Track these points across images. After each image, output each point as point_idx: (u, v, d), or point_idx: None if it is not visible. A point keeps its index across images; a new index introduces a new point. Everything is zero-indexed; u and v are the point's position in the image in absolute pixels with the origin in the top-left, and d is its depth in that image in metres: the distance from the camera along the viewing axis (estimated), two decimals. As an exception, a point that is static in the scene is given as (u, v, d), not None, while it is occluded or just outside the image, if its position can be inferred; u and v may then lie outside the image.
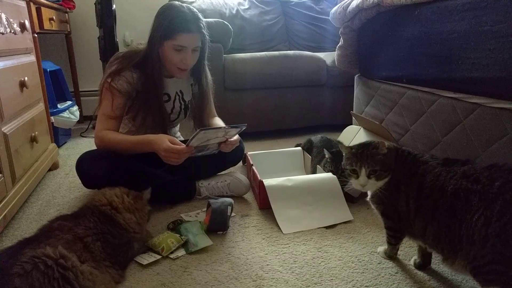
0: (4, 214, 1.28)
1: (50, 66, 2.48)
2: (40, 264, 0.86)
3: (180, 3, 1.48)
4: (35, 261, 0.87)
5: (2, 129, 1.35)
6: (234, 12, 2.96)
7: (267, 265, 1.15)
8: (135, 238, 1.16)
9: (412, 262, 1.13)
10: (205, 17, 1.54)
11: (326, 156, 1.60)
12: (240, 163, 1.92)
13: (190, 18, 1.43)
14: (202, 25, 1.46)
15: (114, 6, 2.66)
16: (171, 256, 1.19)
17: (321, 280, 1.07)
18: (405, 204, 1.02)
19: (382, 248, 1.19)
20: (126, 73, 1.47)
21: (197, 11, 1.48)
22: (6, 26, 1.46)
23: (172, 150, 1.33)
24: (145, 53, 1.48)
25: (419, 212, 0.98)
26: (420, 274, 1.10)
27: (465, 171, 0.90)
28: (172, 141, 1.36)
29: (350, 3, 1.84)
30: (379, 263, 1.15)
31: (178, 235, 1.26)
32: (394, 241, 1.13)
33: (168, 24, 1.41)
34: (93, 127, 2.90)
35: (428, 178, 0.97)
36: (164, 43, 1.43)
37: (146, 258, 1.17)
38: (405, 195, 1.02)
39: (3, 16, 1.44)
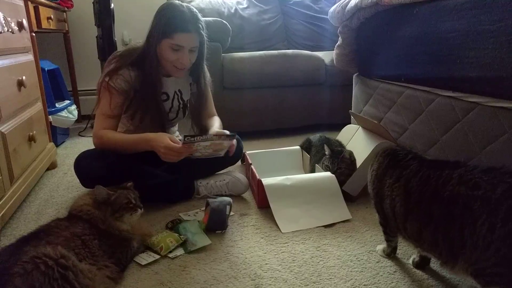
0: (2, 213, 1.28)
1: (48, 65, 2.47)
2: (40, 265, 0.87)
3: (180, 2, 1.47)
4: (36, 261, 0.87)
5: (0, 129, 1.35)
6: (232, 11, 2.96)
7: (266, 264, 1.15)
8: (127, 235, 1.15)
9: (411, 261, 1.14)
10: (203, 16, 1.54)
11: (326, 152, 1.60)
12: (239, 162, 1.92)
13: (189, 18, 1.43)
14: (200, 26, 1.46)
15: (112, 5, 2.65)
16: (170, 255, 1.19)
17: (320, 279, 1.07)
18: (390, 207, 1.03)
19: (381, 246, 1.19)
20: (124, 72, 1.46)
21: (196, 11, 1.47)
22: (4, 25, 1.45)
23: (172, 148, 1.34)
24: (143, 51, 1.48)
25: (410, 216, 0.98)
26: (419, 273, 1.10)
27: (461, 176, 0.88)
28: (172, 140, 1.37)
29: (348, 2, 1.84)
30: (377, 262, 1.15)
31: (176, 234, 1.26)
32: (386, 237, 1.14)
33: (166, 22, 1.41)
34: (92, 127, 2.89)
35: (413, 183, 0.97)
36: (162, 42, 1.43)
37: (145, 258, 1.17)
38: (390, 199, 1.03)
39: (1, 15, 1.43)
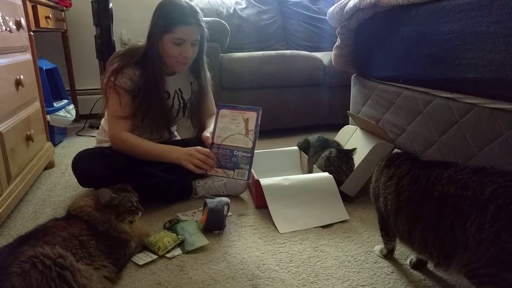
0: (-1, 213, 1.28)
1: (46, 65, 2.47)
2: (38, 264, 0.87)
3: None
4: (34, 261, 0.87)
5: (-2, 128, 1.35)
6: (231, 11, 2.96)
7: (264, 264, 1.15)
8: (126, 237, 1.15)
9: (408, 261, 1.14)
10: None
11: (333, 154, 1.57)
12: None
13: (188, 11, 1.43)
14: (200, 18, 1.47)
15: (110, 4, 2.65)
16: (168, 255, 1.19)
17: (317, 280, 1.07)
18: (383, 205, 1.05)
19: (379, 247, 1.19)
20: (128, 70, 1.46)
21: (195, 5, 1.48)
22: (2, 24, 1.45)
23: (200, 150, 1.35)
24: (145, 50, 1.48)
25: (399, 215, 0.99)
26: (416, 273, 1.10)
27: (451, 176, 0.89)
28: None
29: (347, 3, 1.84)
30: (375, 263, 1.15)
31: (174, 234, 1.26)
32: (383, 239, 1.15)
33: (166, 17, 1.41)
34: (90, 126, 2.90)
35: (404, 181, 0.98)
36: (163, 37, 1.43)
37: (143, 258, 1.17)
38: (383, 197, 1.05)
39: (-1, 14, 1.43)
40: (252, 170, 1.57)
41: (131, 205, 1.18)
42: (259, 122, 1.33)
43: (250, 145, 1.32)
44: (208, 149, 1.33)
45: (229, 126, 1.33)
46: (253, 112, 1.33)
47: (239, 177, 1.32)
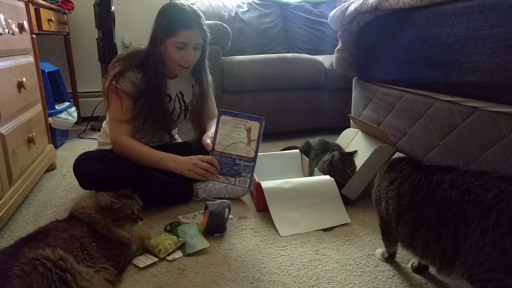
0: (0, 215, 1.28)
1: (48, 67, 2.48)
2: (39, 266, 0.87)
3: (181, 2, 1.48)
4: (34, 263, 0.87)
5: None
6: (233, 14, 2.97)
7: (264, 267, 1.15)
8: (126, 240, 1.15)
9: (409, 265, 1.13)
10: (203, 19, 1.55)
11: (336, 157, 1.57)
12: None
13: (191, 15, 1.43)
14: (203, 22, 1.47)
15: (113, 7, 2.66)
16: (168, 258, 1.19)
17: (318, 283, 1.07)
18: (385, 210, 1.05)
19: (380, 250, 1.19)
20: (129, 74, 1.46)
21: (197, 9, 1.48)
22: (5, 26, 1.45)
23: (202, 158, 1.32)
24: (147, 53, 1.48)
25: (401, 219, 0.99)
26: (417, 277, 1.10)
27: (452, 181, 0.89)
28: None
29: (348, 7, 1.84)
30: (376, 266, 1.15)
31: (175, 237, 1.26)
32: (384, 243, 1.15)
33: (169, 21, 1.42)
34: (91, 128, 2.90)
35: (406, 185, 0.98)
36: (166, 41, 1.43)
37: (143, 261, 1.17)
38: (385, 201, 1.05)
39: (2, 16, 1.44)
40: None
41: (131, 212, 1.17)
42: (261, 132, 1.32)
43: (252, 154, 1.31)
44: (211, 157, 1.31)
45: (231, 134, 1.32)
46: (255, 122, 1.33)
47: (240, 184, 1.32)
